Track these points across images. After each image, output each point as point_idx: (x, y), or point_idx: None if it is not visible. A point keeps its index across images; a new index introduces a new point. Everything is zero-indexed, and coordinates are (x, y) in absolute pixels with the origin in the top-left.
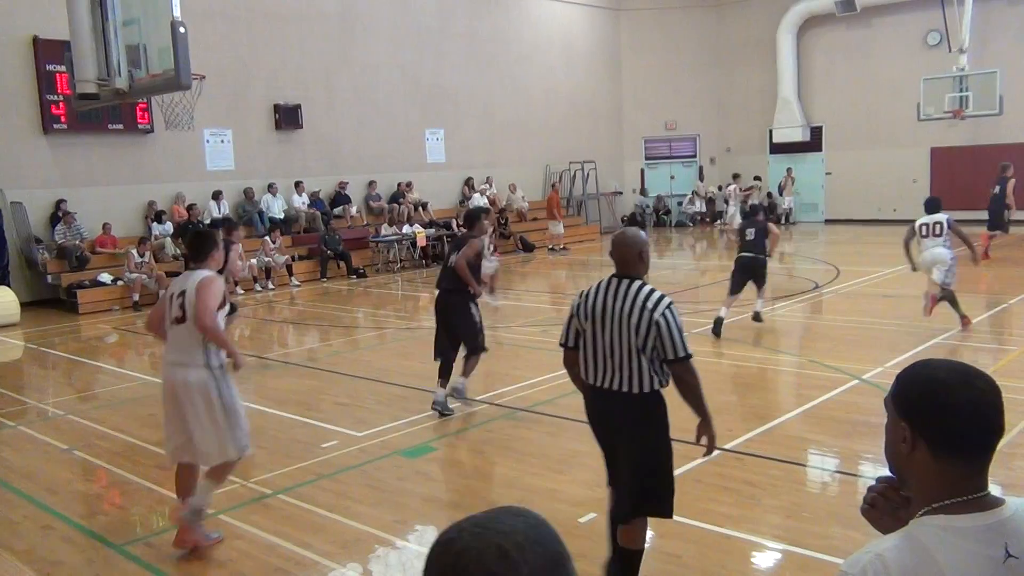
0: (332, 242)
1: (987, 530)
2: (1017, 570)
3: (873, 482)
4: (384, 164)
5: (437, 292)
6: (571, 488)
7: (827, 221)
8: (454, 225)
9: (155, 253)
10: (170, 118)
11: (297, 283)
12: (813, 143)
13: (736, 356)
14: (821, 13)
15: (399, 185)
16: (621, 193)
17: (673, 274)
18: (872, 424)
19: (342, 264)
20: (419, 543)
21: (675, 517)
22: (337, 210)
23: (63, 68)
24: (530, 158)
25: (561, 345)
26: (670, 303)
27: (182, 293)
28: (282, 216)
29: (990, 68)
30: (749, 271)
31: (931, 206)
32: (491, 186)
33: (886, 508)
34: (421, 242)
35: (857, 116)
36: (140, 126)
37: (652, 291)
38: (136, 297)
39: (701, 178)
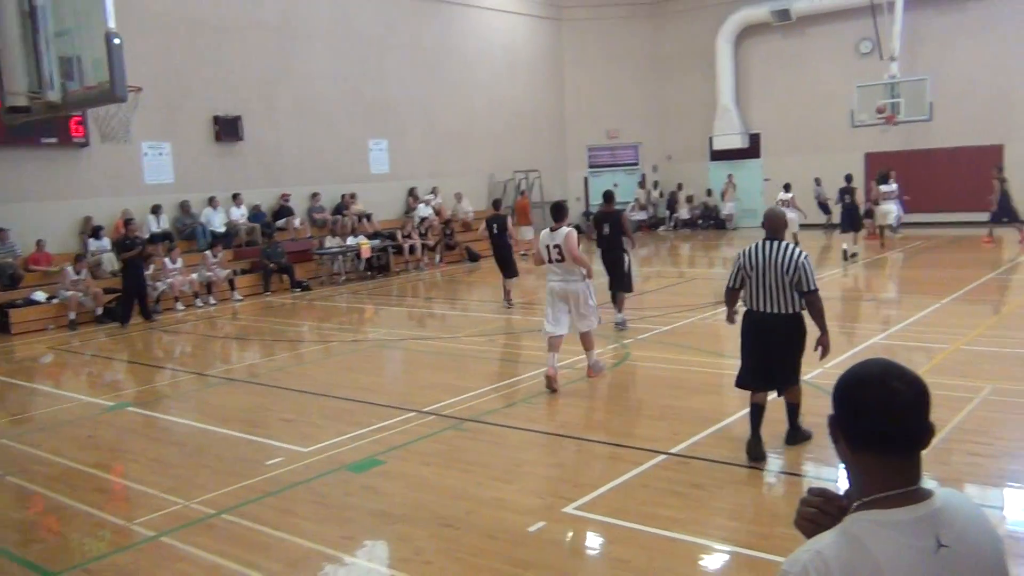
0: (274, 255)
1: (918, 522)
2: (949, 559)
3: (806, 493)
4: (327, 175)
5: (603, 252)
6: (519, 497)
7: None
8: (399, 236)
9: (92, 270)
10: (106, 131)
11: (239, 297)
12: (752, 150)
13: (680, 361)
14: (758, 22)
15: (343, 196)
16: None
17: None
18: (812, 424)
19: (285, 277)
20: (367, 559)
21: (621, 522)
22: (280, 222)
23: None
24: (474, 167)
25: (728, 287)
26: (807, 255)
27: (557, 246)
28: (223, 230)
29: (920, 75)
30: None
31: (884, 178)
32: (437, 196)
33: (826, 523)
34: (365, 253)
35: (794, 123)
36: (75, 139)
37: (795, 247)
38: (72, 315)
39: (642, 185)
